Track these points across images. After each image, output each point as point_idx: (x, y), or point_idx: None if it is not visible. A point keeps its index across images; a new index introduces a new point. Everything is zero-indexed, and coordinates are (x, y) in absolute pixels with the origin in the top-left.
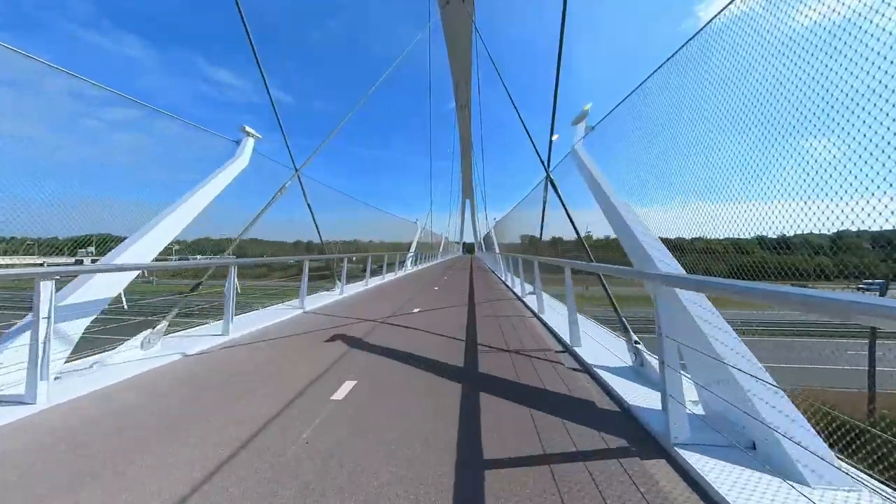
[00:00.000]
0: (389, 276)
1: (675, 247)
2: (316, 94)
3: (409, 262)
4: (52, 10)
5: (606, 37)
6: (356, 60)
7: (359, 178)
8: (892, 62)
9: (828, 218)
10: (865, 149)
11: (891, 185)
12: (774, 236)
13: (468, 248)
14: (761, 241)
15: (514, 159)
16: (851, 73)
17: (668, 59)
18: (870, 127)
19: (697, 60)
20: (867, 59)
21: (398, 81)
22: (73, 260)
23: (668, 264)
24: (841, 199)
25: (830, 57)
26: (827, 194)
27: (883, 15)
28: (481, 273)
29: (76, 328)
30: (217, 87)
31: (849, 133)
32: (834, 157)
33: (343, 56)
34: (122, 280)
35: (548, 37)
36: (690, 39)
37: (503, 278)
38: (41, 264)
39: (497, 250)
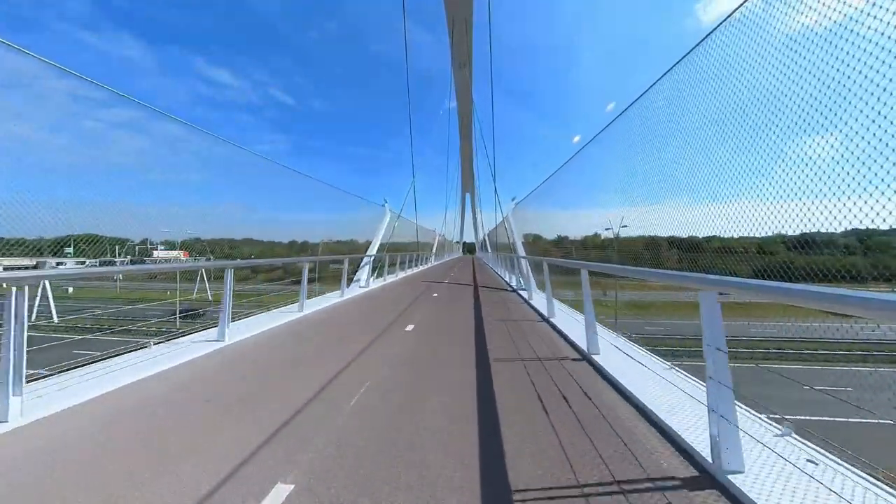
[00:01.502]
0: (286, 318)
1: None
2: (315, 94)
3: (364, 276)
4: (48, 10)
5: (609, 34)
6: (355, 55)
7: (358, 177)
8: None
9: (844, 216)
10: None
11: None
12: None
13: (468, 248)
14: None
15: (520, 147)
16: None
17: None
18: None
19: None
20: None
21: (395, 87)
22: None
23: (522, 254)
24: (850, 197)
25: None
26: (835, 194)
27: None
28: (497, 304)
29: None
30: (216, 88)
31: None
32: (842, 156)
33: (342, 52)
34: None
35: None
36: (678, 62)
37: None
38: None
39: (520, 250)
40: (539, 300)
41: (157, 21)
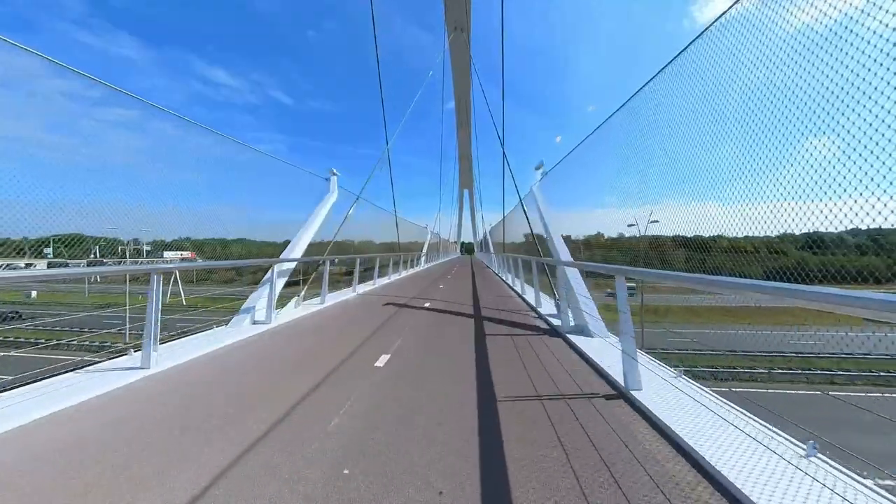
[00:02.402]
0: None
1: (700, 247)
2: (315, 95)
3: (264, 301)
4: (44, 10)
5: (606, 37)
6: (353, 55)
7: (358, 178)
8: None
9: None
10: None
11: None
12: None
13: (467, 249)
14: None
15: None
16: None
17: (648, 82)
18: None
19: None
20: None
21: (394, 85)
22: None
23: (566, 257)
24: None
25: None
26: (828, 195)
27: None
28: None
29: None
30: (213, 87)
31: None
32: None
33: (340, 52)
34: None
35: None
36: (672, 61)
37: None
38: None
39: (560, 251)
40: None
41: (154, 20)
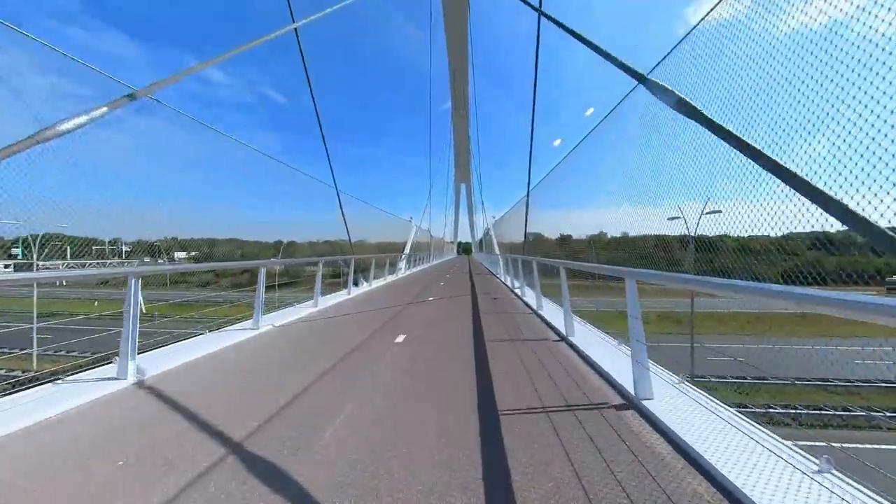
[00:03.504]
0: None
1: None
2: (308, 93)
3: None
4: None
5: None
6: (348, 55)
7: (353, 177)
8: None
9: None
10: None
11: None
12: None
13: (465, 249)
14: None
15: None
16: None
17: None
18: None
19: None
20: None
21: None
22: None
23: None
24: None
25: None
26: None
27: None
28: None
29: None
30: (210, 86)
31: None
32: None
33: (335, 52)
34: None
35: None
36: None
37: None
38: None
39: None
40: None
41: (148, 18)
